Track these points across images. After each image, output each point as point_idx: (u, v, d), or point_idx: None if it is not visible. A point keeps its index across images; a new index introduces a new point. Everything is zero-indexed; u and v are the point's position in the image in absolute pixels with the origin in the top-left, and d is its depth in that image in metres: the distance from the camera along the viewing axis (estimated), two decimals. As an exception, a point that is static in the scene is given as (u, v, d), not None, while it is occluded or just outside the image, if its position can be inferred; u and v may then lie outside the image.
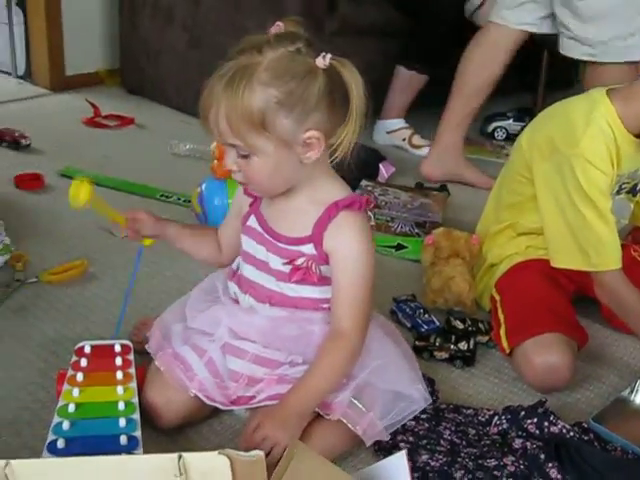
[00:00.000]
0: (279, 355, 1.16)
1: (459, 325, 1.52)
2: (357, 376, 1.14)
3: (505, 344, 1.42)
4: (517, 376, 1.41)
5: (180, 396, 1.15)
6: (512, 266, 1.54)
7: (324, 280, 1.13)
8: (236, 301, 1.21)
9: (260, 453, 0.79)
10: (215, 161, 1.82)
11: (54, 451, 1.02)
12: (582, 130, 1.40)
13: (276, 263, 1.15)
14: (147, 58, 2.88)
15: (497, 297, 1.52)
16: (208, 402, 1.14)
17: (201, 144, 2.37)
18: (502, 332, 1.44)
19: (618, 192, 1.50)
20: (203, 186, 1.84)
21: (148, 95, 2.93)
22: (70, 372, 1.19)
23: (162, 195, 2.06)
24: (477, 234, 1.67)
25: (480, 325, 1.52)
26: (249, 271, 1.19)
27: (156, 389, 1.16)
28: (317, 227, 1.11)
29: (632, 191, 1.55)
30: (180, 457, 0.79)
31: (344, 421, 1.10)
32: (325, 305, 1.16)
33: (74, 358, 1.23)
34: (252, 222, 1.18)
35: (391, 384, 1.16)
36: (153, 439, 1.14)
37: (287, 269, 1.13)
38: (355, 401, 1.11)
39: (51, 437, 1.05)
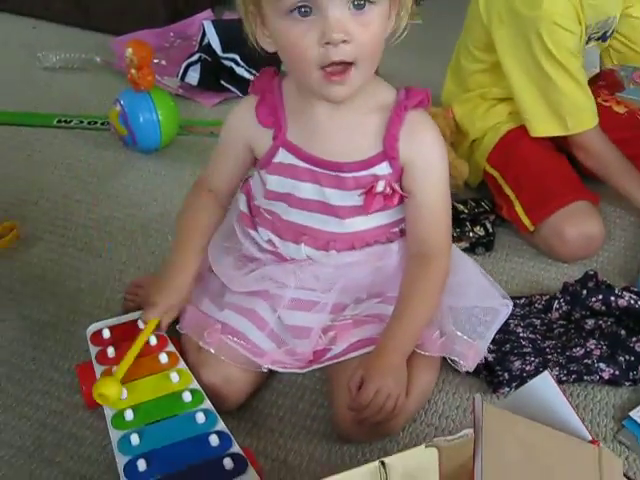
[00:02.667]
0: (343, 298, 1.01)
1: (463, 208, 1.40)
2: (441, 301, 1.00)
3: (527, 222, 1.33)
4: (537, 251, 1.34)
5: (243, 372, 0.97)
6: (501, 137, 1.42)
7: (401, 200, 0.97)
8: (273, 252, 1.02)
9: (470, 432, 0.64)
10: (133, 70, 1.52)
11: (136, 476, 0.81)
12: None
13: (339, 198, 0.96)
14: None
15: (494, 173, 1.42)
16: (286, 370, 0.98)
17: (73, 51, 2.01)
18: (519, 210, 1.34)
19: (587, 42, 1.41)
20: (122, 102, 1.55)
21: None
22: (98, 367, 0.96)
23: (59, 121, 1.72)
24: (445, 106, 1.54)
25: (483, 204, 1.42)
26: (296, 215, 0.99)
27: (211, 368, 0.96)
28: (389, 138, 0.93)
29: (601, 38, 1.46)
30: (383, 464, 0.63)
31: (453, 358, 0.98)
32: (395, 229, 1.01)
33: (94, 349, 0.99)
34: (283, 157, 0.97)
35: (474, 299, 1.03)
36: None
37: (359, 201, 0.95)
38: (459, 333, 0.98)
39: (122, 459, 0.82)
